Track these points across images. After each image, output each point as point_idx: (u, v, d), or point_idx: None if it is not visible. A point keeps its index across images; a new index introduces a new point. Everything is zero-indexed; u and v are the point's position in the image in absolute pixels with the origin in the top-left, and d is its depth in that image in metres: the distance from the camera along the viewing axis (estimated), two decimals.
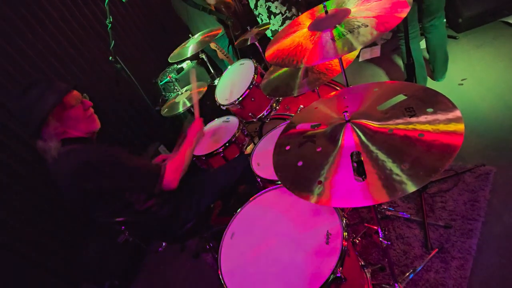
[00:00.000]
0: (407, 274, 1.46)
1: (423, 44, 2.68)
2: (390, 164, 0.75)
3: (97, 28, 2.93)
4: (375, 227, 1.17)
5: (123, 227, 1.49)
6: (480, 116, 1.99)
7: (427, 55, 2.40)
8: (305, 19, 1.27)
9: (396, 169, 0.73)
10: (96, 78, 2.89)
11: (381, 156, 0.77)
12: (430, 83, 2.41)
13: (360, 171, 0.79)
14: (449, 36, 2.71)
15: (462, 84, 2.29)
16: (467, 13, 2.60)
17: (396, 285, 1.37)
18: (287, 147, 0.96)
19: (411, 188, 0.68)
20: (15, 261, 1.94)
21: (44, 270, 2.08)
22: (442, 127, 0.73)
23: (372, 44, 3.40)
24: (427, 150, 0.71)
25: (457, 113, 0.74)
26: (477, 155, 1.79)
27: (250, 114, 2.05)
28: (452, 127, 0.72)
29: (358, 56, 3.34)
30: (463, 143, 2.07)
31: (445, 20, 2.70)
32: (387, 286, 1.42)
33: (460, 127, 0.71)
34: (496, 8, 2.54)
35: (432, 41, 2.16)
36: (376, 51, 3.24)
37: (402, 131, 0.78)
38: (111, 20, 2.02)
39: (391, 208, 1.78)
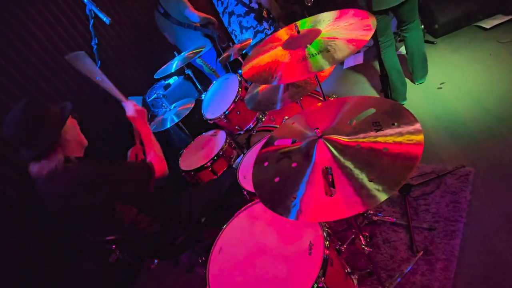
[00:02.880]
0: (394, 278, 1.49)
1: (402, 50, 2.78)
2: (359, 177, 0.79)
3: (85, 47, 2.96)
4: (365, 233, 1.20)
5: (113, 246, 1.50)
6: (459, 119, 2.06)
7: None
8: (283, 35, 1.32)
9: (365, 182, 0.77)
10: (85, 96, 2.91)
11: (351, 169, 0.81)
12: (411, 86, 2.48)
13: (332, 184, 0.83)
14: (428, 41, 2.81)
15: (441, 88, 2.37)
16: (442, 19, 2.71)
17: None
18: (265, 163, 1.00)
19: (381, 198, 0.72)
20: (7, 285, 1.93)
21: None
22: (404, 139, 0.78)
23: None
24: (392, 163, 0.76)
25: (418, 126, 0.79)
26: (457, 157, 1.85)
27: (236, 127, 2.10)
28: (413, 139, 0.77)
29: (342, 63, 3.42)
30: (443, 145, 2.13)
31: (422, 26, 2.81)
32: None
33: (420, 138, 0.76)
34: (469, 13, 2.65)
35: (410, 41, 2.24)
36: (359, 58, 3.33)
37: (369, 144, 0.82)
38: (96, 42, 2.06)
39: (379, 214, 1.82)
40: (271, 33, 3.55)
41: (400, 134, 0.80)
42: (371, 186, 0.76)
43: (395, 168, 0.74)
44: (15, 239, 2.08)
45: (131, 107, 1.62)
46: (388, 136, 0.81)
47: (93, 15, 1.93)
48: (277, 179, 0.92)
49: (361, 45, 0.97)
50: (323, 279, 0.98)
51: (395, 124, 0.83)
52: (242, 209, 1.41)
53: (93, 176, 1.34)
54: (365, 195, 0.75)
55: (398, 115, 0.86)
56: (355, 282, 1.35)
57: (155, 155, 1.52)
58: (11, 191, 2.16)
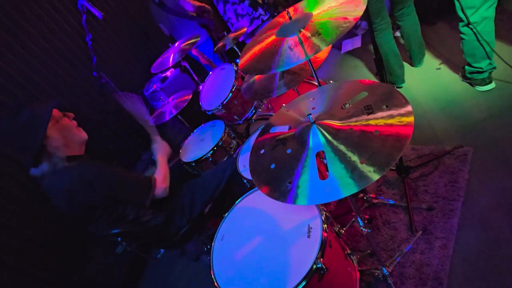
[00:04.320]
0: (394, 257, 1.53)
1: (399, 32, 2.74)
2: (352, 159, 0.81)
3: (80, 44, 2.95)
4: (365, 216, 1.23)
5: (119, 238, 1.54)
6: (457, 99, 2.05)
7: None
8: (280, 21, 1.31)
9: (357, 164, 0.79)
10: (83, 93, 2.92)
11: (344, 152, 0.83)
12: (409, 69, 2.46)
13: (326, 168, 0.85)
14: (426, 21, 2.76)
15: (439, 69, 2.35)
16: None
17: (384, 268, 1.44)
18: (262, 151, 1.02)
19: (373, 178, 0.74)
20: (16, 279, 1.99)
21: (47, 287, 2.13)
22: (395, 121, 0.79)
23: (353, 34, 3.45)
24: (382, 144, 0.77)
25: (408, 108, 0.80)
26: (455, 137, 1.86)
27: (235, 116, 2.11)
28: (403, 121, 0.78)
29: (339, 48, 3.39)
30: (441, 126, 2.12)
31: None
32: (376, 271, 1.49)
33: (410, 120, 0.77)
34: None
35: (405, 28, 2.22)
36: (357, 41, 3.29)
37: (361, 128, 0.84)
38: (91, 37, 2.06)
39: (380, 197, 1.84)
40: (267, 19, 3.51)
41: (391, 116, 0.81)
42: (363, 167, 0.77)
43: (385, 149, 0.76)
44: (23, 236, 2.13)
45: (162, 142, 1.79)
46: (380, 119, 0.82)
47: (85, 10, 1.92)
48: (273, 166, 0.93)
49: (353, 22, 0.96)
50: (321, 259, 1.01)
51: (386, 107, 0.84)
52: (242, 197, 1.44)
53: (93, 175, 1.37)
54: (358, 176, 0.77)
55: (389, 97, 0.87)
56: (355, 262, 1.39)
57: (161, 174, 1.60)
58: (14, 187, 2.21)
